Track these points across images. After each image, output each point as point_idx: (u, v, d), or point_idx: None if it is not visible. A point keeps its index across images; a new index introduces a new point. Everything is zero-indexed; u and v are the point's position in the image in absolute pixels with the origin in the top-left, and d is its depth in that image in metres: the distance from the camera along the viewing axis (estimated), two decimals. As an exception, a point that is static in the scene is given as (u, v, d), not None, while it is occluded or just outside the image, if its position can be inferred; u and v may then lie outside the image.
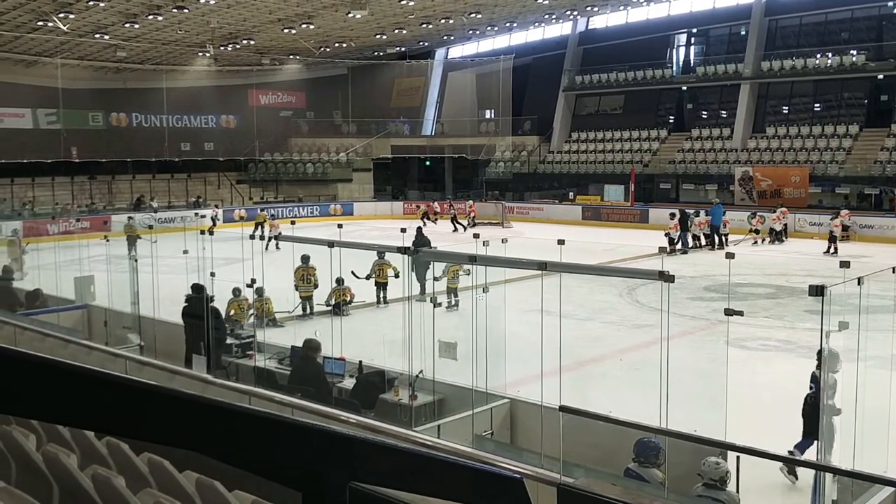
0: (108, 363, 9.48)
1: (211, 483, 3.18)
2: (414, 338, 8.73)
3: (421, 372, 8.89)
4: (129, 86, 43.81)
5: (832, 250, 25.62)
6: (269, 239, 22.38)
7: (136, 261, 13.56)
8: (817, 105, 38.77)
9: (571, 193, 40.93)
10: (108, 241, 17.19)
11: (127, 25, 34.33)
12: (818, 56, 36.98)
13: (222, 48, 40.70)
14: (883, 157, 33.56)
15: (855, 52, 36.13)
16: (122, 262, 15.76)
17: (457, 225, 34.53)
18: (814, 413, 7.94)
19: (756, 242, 28.47)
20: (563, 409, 5.66)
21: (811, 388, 8.50)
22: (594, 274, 15.35)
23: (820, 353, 8.40)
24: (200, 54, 42.40)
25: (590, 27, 45.58)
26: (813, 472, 5.30)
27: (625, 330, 15.74)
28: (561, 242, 9.65)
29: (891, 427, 7.49)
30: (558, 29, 46.22)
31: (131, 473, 3.48)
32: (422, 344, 8.59)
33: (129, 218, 29.07)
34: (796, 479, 7.34)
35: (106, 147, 40.74)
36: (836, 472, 5.16)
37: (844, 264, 6.87)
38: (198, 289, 11.35)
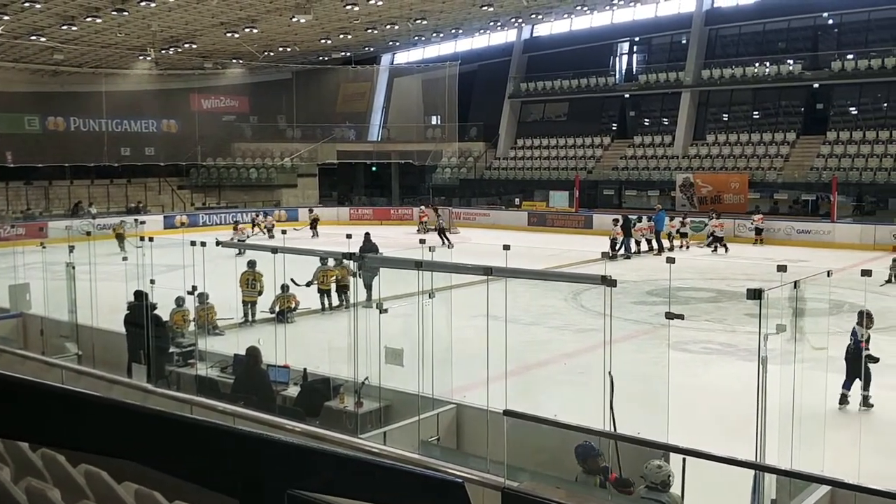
0: (43, 373, 9.22)
1: (150, 494, 3.11)
2: (360, 344, 8.68)
3: (367, 379, 8.84)
4: (66, 89, 42.75)
5: (715, 249, 26.92)
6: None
7: (73, 268, 13.21)
8: (756, 113, 39.76)
9: (517, 199, 41.23)
10: (44, 247, 16.72)
11: (64, 27, 33.46)
12: (757, 65, 37.95)
13: (163, 52, 39.99)
14: (819, 163, 34.55)
15: (792, 62, 37.18)
16: (59, 270, 15.34)
17: (444, 239, 31.36)
18: (855, 360, 10.58)
19: (682, 247, 28.86)
20: (507, 413, 5.68)
21: (851, 340, 10.98)
22: (539, 279, 15.48)
23: (861, 312, 11.08)
24: (141, 58, 41.59)
25: (534, 35, 46.01)
26: (752, 472, 5.41)
27: (569, 334, 15.88)
28: (506, 248, 9.70)
29: (826, 427, 7.70)
30: (503, 36, 46.56)
31: (67, 485, 3.38)
32: (367, 350, 8.54)
33: (122, 221, 29.32)
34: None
35: (42, 152, 39.68)
36: (774, 471, 5.27)
37: (781, 268, 7.03)
38: (139, 296, 11.12)
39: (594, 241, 27.62)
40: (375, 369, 8.67)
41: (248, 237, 30.79)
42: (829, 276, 7.88)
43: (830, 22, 37.69)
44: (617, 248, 27.13)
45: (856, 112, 37.14)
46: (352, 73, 49.63)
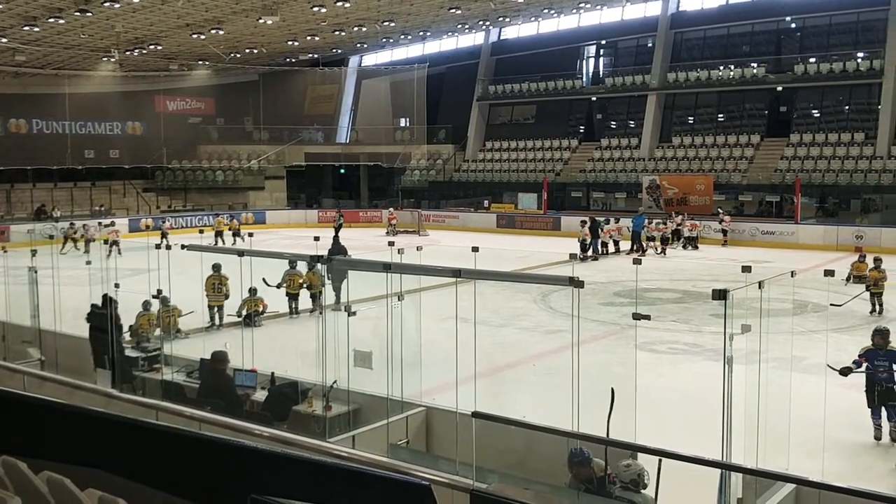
0: (5, 379, 9.05)
1: (114, 500, 3.06)
2: (328, 347, 8.63)
3: (335, 382, 8.79)
4: (28, 91, 42.09)
5: (685, 247, 27.29)
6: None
7: (35, 272, 12.99)
8: (721, 115, 40.24)
9: (486, 201, 41.33)
10: (5, 251, 16.44)
11: (26, 28, 32.90)
12: (721, 68, 38.41)
13: (128, 53, 39.50)
14: (783, 165, 35.06)
15: (756, 65, 37.69)
16: (20, 274, 15.08)
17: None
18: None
19: (662, 251, 28.95)
20: (475, 415, 5.68)
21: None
22: (507, 281, 15.53)
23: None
24: (105, 59, 41.05)
25: (502, 37, 46.17)
26: (719, 470, 5.46)
27: (538, 336, 15.94)
28: (475, 250, 9.72)
29: (791, 426, 7.80)
30: (472, 38, 46.66)
31: (29, 493, 3.32)
32: (336, 354, 8.50)
33: (72, 224, 28.74)
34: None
35: (4, 154, 38.99)
36: (740, 470, 5.33)
37: (746, 269, 7.12)
38: (103, 301, 10.95)
39: (563, 242, 27.76)
40: (344, 373, 8.62)
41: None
42: (792, 276, 8.00)
43: (793, 26, 38.27)
44: (586, 249, 27.31)
45: (818, 115, 37.73)
46: (319, 75, 49.41)
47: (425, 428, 8.31)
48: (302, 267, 16.89)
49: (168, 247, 11.19)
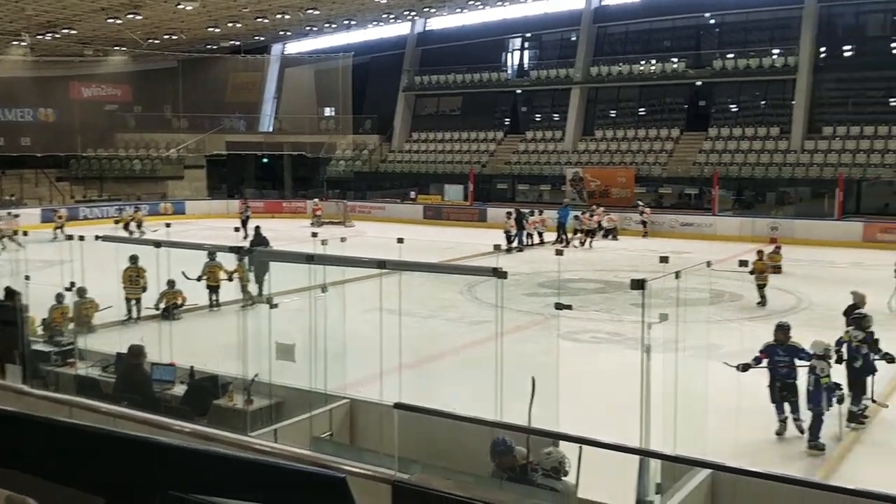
0: None
1: (23, 500, 2.91)
2: (249, 340, 8.47)
3: (256, 375, 8.63)
4: (-69, 75, 40.13)
5: (607, 235, 27.73)
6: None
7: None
8: (642, 109, 41.08)
9: (413, 193, 41.27)
10: None
11: (-71, 9, 31.38)
12: (643, 63, 39.20)
13: (40, 37, 37.97)
14: (701, 158, 36.02)
15: (676, 60, 38.58)
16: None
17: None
18: (858, 372, 9.71)
19: (583, 243, 29.16)
20: (397, 406, 5.66)
21: (836, 351, 9.89)
22: (431, 272, 15.52)
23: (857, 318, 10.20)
24: (15, 43, 39.38)
25: (428, 28, 46.11)
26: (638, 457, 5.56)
27: (464, 326, 16.00)
28: (400, 241, 9.68)
29: (708, 412, 8.01)
30: (397, 28, 46.45)
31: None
32: (258, 347, 8.35)
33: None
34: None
35: None
36: (658, 456, 5.44)
37: (664, 259, 7.27)
38: (10, 294, 10.50)
39: (489, 234, 27.93)
40: (266, 366, 8.48)
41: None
42: (708, 266, 8.20)
43: (712, 22, 39.32)
44: (512, 240, 27.55)
45: (736, 109, 38.91)
46: (241, 62, 48.49)
47: (349, 420, 8.24)
48: (225, 259, 16.55)
49: (69, 237, 10.78)
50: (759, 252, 18.37)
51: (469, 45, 43.56)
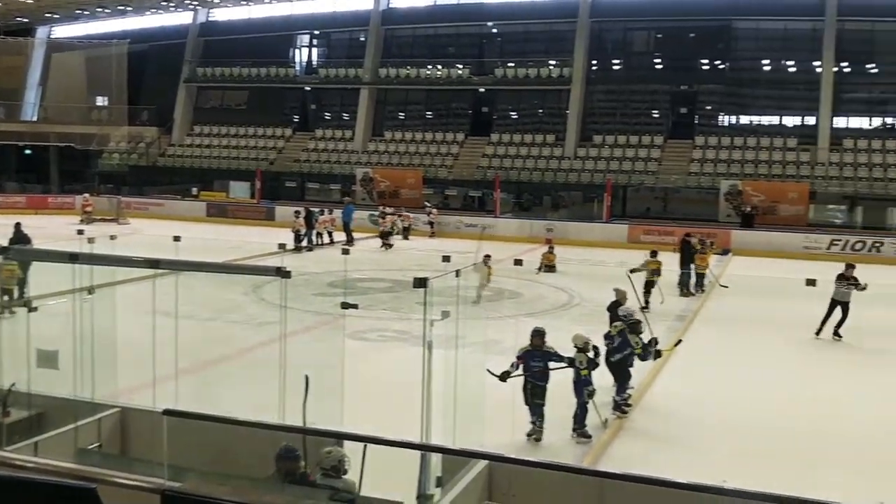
0: None
1: None
2: (4, 347, 7.73)
3: (13, 385, 7.89)
4: None
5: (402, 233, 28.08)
6: None
7: None
8: (429, 113, 42.09)
9: (195, 189, 39.60)
10: None
11: None
12: (429, 67, 40.12)
13: None
14: (484, 163, 37.47)
15: (461, 66, 39.84)
16: None
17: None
18: (616, 365, 10.48)
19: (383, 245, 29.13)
20: (167, 412, 5.39)
21: (606, 344, 10.58)
22: (209, 271, 14.99)
23: (624, 317, 10.82)
24: None
25: (211, 18, 44.51)
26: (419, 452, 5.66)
27: (250, 328, 15.57)
28: (177, 239, 9.24)
29: (486, 406, 8.32)
30: (178, 18, 44.41)
31: None
32: (14, 354, 7.63)
33: None
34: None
35: None
36: (437, 450, 5.55)
37: (446, 259, 7.46)
38: None
39: (277, 233, 27.40)
40: (25, 375, 7.77)
41: None
42: (486, 265, 8.51)
43: (494, 31, 41.02)
44: (300, 240, 27.22)
45: (516, 116, 40.86)
46: (1, 44, 44.23)
47: (120, 430, 7.74)
48: None
49: None
50: (550, 248, 19.51)
51: (256, 38, 42.55)
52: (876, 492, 7.81)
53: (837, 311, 15.23)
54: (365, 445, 5.61)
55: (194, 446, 5.86)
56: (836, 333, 15.27)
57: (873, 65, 35.01)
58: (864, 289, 15.16)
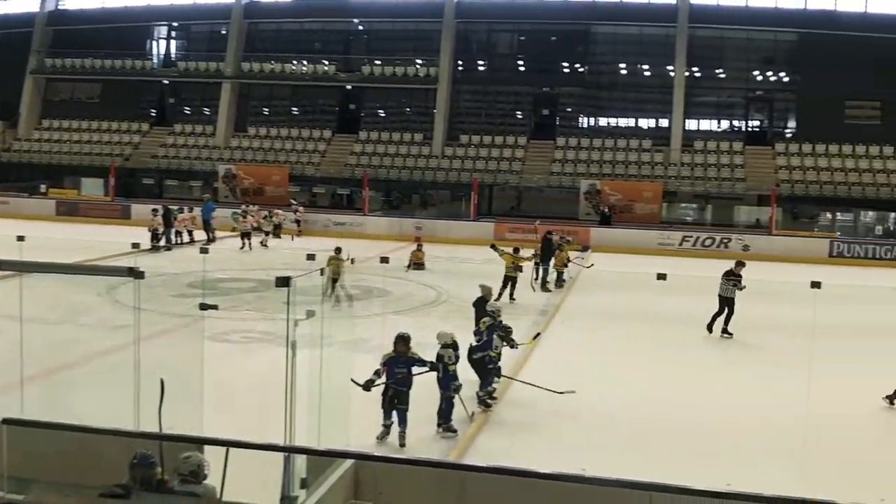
0: None
1: None
2: None
3: None
4: None
5: (245, 247, 26.78)
6: None
7: None
8: (295, 109, 41.44)
9: (43, 186, 37.39)
10: None
11: None
12: (295, 63, 39.49)
13: None
14: (352, 160, 37.25)
15: (327, 63, 39.43)
16: None
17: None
18: (478, 362, 10.69)
19: (244, 247, 28.14)
20: (6, 422, 5.07)
21: (477, 340, 10.91)
22: (55, 272, 14.20)
23: (491, 313, 11.07)
24: None
25: (61, 6, 42.15)
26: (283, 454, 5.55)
27: (103, 331, 14.83)
28: (20, 239, 8.70)
29: (352, 404, 8.27)
30: (23, 4, 41.79)
31: None
32: None
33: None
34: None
35: None
36: (301, 451, 5.47)
37: (311, 257, 7.36)
38: None
39: (133, 232, 26.22)
40: None
41: None
42: (352, 263, 8.47)
43: (361, 28, 40.85)
44: (158, 239, 26.17)
45: (384, 114, 40.84)
46: None
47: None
48: None
49: None
50: (419, 246, 19.47)
51: (109, 29, 40.60)
52: (725, 477, 8.22)
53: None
54: (227, 450, 5.46)
55: (40, 457, 5.53)
56: (724, 331, 15.52)
57: (721, 70, 37.24)
58: (742, 289, 15.45)
